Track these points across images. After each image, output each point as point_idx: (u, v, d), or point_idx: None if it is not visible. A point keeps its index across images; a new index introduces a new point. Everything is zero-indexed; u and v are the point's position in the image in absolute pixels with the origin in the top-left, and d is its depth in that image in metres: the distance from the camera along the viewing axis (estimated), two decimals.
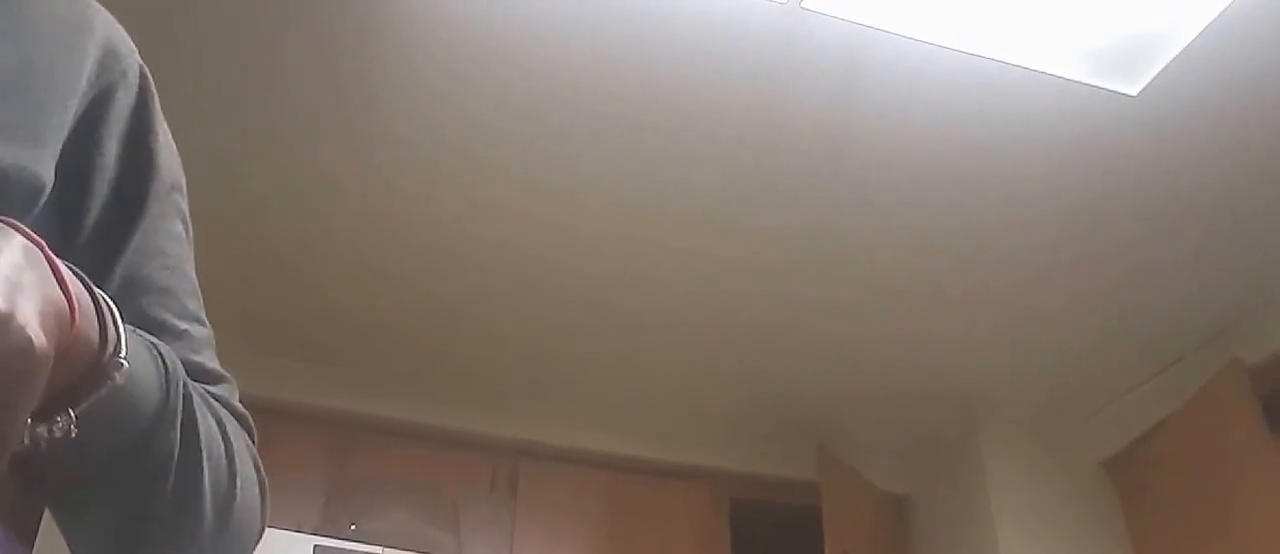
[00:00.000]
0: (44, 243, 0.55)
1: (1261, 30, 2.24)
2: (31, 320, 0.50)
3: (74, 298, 0.55)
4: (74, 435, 0.57)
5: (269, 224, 2.89)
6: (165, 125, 0.81)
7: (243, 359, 3.33)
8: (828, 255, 2.90)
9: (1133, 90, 2.37)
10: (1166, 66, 2.31)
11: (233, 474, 0.72)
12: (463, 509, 3.28)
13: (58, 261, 0.55)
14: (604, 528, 3.42)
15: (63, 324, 0.54)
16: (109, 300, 0.60)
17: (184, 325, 0.77)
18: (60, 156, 0.70)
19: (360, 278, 3.07)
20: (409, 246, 2.94)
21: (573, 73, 2.38)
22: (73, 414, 0.56)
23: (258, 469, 0.77)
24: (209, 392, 0.74)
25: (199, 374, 0.74)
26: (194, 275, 0.82)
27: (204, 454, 0.68)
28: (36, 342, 0.50)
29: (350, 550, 2.98)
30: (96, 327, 0.58)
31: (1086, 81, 2.36)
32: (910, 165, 2.60)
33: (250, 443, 0.78)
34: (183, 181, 0.83)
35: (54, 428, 0.56)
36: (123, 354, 0.59)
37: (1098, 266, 2.90)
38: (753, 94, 2.41)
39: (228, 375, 0.79)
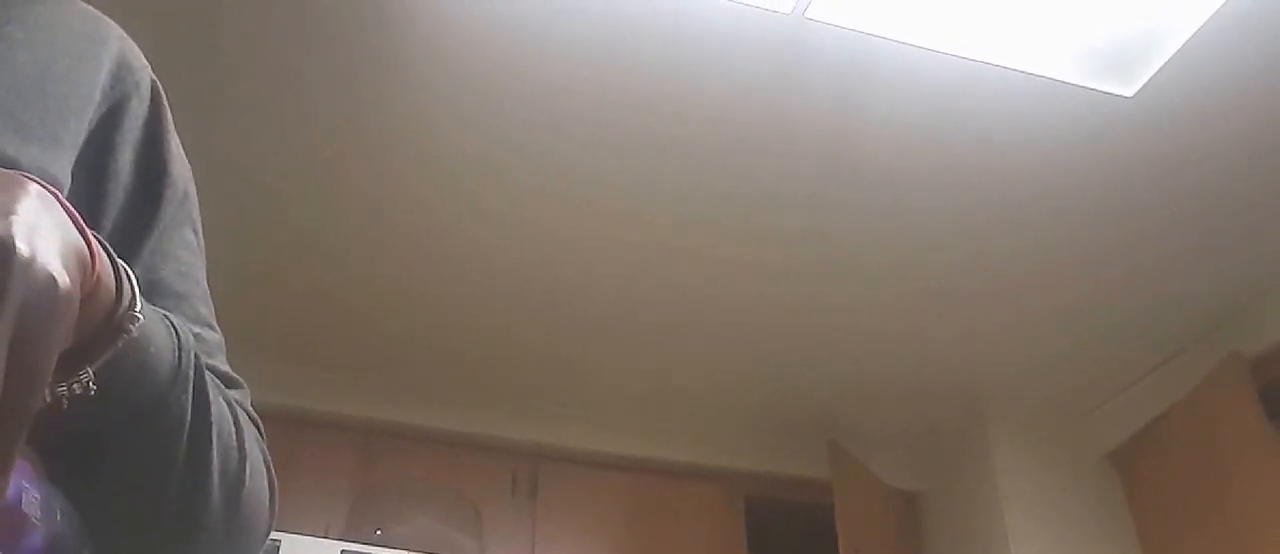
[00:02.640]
0: (58, 191, 0.54)
1: (1255, 31, 2.26)
2: (54, 261, 0.49)
3: (93, 241, 0.54)
4: (93, 393, 0.55)
5: (293, 237, 2.92)
6: (176, 137, 0.82)
7: (268, 369, 3.40)
8: (834, 256, 2.93)
9: (1128, 92, 2.40)
10: (1161, 68, 2.34)
11: (243, 459, 0.71)
12: (485, 512, 3.31)
13: (73, 209, 0.54)
14: (623, 528, 3.44)
15: (84, 266, 0.53)
16: (118, 257, 0.59)
17: (197, 329, 0.76)
18: (75, 164, 0.71)
19: (382, 287, 3.10)
20: (429, 256, 2.97)
21: (586, 83, 2.42)
22: (91, 371, 0.55)
23: (268, 467, 0.76)
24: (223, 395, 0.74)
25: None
26: (205, 283, 0.82)
27: (214, 430, 0.67)
28: (61, 281, 0.49)
29: None
30: (113, 276, 0.57)
31: (1082, 84, 2.38)
32: (913, 167, 2.63)
33: (262, 443, 0.76)
34: (194, 191, 0.83)
35: (74, 385, 0.55)
36: (138, 308, 0.58)
37: (1099, 263, 2.93)
38: (760, 100, 2.45)
39: (241, 380, 0.79)
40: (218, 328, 0.81)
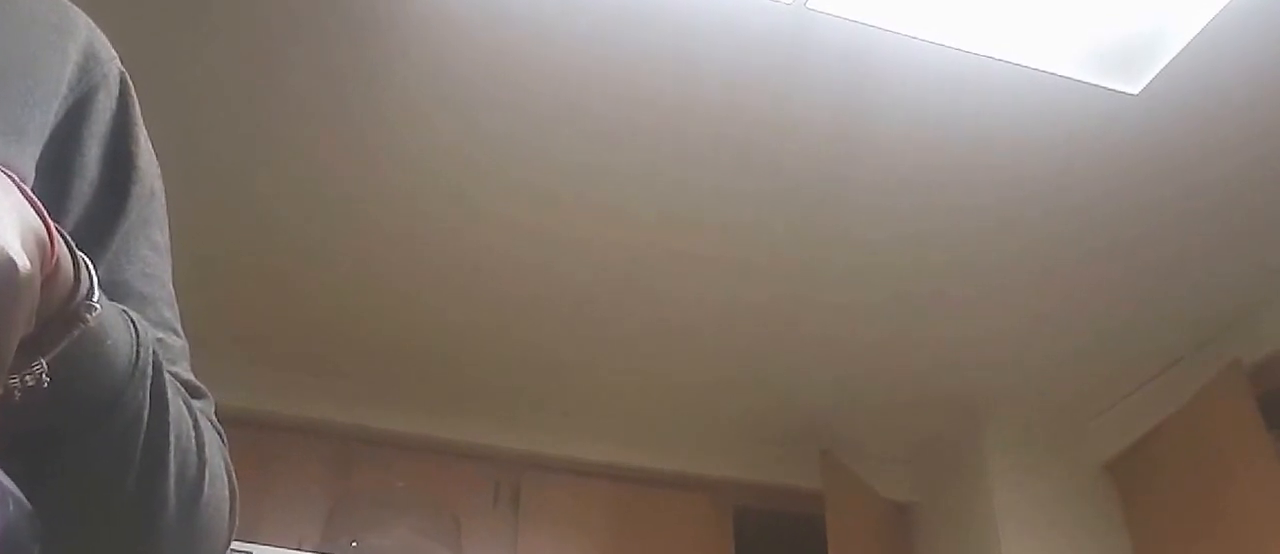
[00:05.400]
0: (15, 175, 0.53)
1: (1262, 28, 2.23)
2: (13, 242, 0.49)
3: (51, 225, 0.54)
4: (47, 385, 0.54)
5: (270, 234, 2.88)
6: (145, 131, 0.80)
7: (243, 372, 3.34)
8: (828, 259, 2.90)
9: (1134, 89, 2.37)
10: (1167, 65, 2.30)
11: (202, 464, 0.69)
12: (466, 522, 3.26)
13: (31, 193, 0.53)
14: (608, 539, 3.40)
15: (44, 249, 0.52)
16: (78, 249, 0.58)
17: (161, 335, 0.74)
18: (40, 158, 0.69)
19: (361, 289, 3.06)
20: (410, 257, 2.93)
21: (575, 78, 2.37)
22: (46, 363, 0.54)
23: (230, 477, 0.74)
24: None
25: None
26: (171, 286, 0.80)
27: (172, 431, 0.65)
28: (20, 263, 0.48)
29: None
30: (71, 263, 0.56)
31: (1088, 81, 2.35)
32: (912, 166, 2.60)
33: (224, 452, 0.75)
34: (161, 190, 0.82)
35: (27, 376, 0.54)
36: (95, 297, 0.57)
37: (1098, 267, 2.90)
38: (756, 95, 2.41)
39: (205, 390, 0.77)
40: (183, 334, 0.79)
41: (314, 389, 3.34)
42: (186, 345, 0.79)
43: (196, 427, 0.69)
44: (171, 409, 0.65)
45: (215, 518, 0.71)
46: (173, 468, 0.65)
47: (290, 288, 3.06)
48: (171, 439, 0.65)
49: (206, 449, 0.70)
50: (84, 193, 0.73)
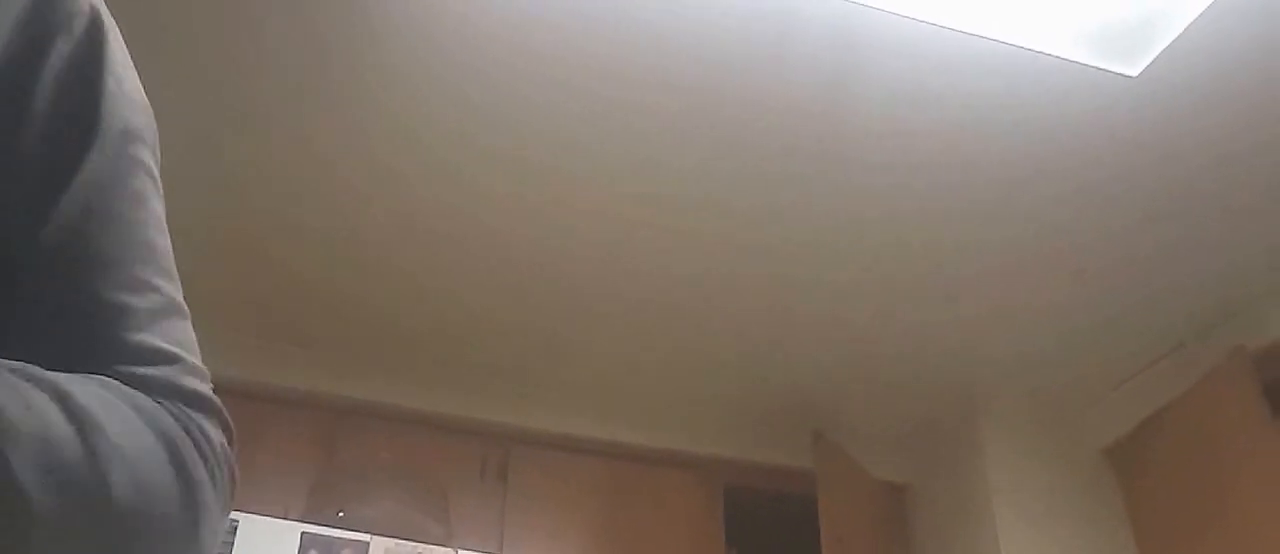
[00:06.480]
0: None
1: (1262, 11, 2.22)
2: None
3: None
4: None
5: (256, 206, 2.89)
6: (124, 74, 0.74)
7: (229, 343, 3.33)
8: (824, 239, 2.90)
9: (1133, 71, 2.36)
10: (1167, 47, 2.30)
11: (90, 452, 0.59)
12: (453, 496, 3.27)
13: None
14: (596, 515, 3.41)
15: None
16: None
17: (122, 298, 0.68)
18: None
19: (349, 261, 3.07)
20: (399, 230, 2.94)
21: (566, 56, 2.38)
22: None
23: (176, 447, 0.65)
24: (139, 373, 0.66)
25: (130, 355, 0.67)
26: (157, 235, 0.73)
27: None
28: None
29: (338, 537, 2.93)
30: None
31: (1086, 62, 2.34)
32: (906, 147, 2.59)
33: (192, 428, 0.67)
34: (145, 131, 0.75)
35: None
36: None
37: (1098, 251, 2.90)
38: (747, 74, 2.40)
39: (176, 354, 0.69)
40: (164, 288, 0.71)
41: (301, 361, 3.36)
42: (169, 300, 0.71)
43: (74, 413, 0.59)
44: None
45: (139, 500, 0.61)
46: (17, 471, 0.56)
47: (278, 262, 3.08)
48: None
49: (98, 431, 0.60)
50: (31, 141, 0.68)
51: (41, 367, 0.59)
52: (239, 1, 2.29)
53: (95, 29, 0.73)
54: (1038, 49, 2.31)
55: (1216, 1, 2.19)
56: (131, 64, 0.76)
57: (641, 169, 2.69)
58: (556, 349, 3.41)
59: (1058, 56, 2.32)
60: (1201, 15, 2.21)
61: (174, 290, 0.73)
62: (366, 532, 2.94)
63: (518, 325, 3.30)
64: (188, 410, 0.68)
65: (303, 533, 2.91)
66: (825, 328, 3.26)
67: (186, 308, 0.74)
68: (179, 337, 0.71)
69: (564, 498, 3.40)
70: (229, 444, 0.70)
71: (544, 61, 2.40)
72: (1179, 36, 2.26)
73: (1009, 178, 2.67)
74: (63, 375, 0.62)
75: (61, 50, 0.70)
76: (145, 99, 0.77)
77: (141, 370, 0.67)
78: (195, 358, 0.71)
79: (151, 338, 0.69)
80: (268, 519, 2.87)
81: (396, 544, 2.99)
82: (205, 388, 0.70)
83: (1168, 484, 3.21)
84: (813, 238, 2.90)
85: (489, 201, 2.82)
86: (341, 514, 3.10)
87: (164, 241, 0.74)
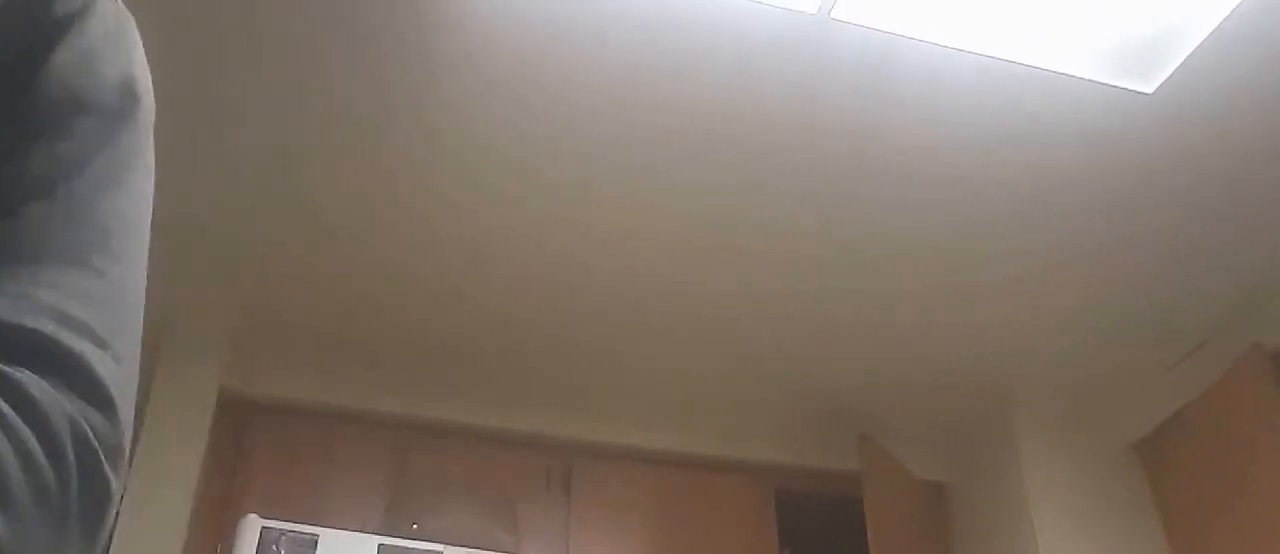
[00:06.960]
0: None
1: (1274, 27, 2.27)
2: None
3: None
4: None
5: (327, 236, 2.96)
6: (96, 47, 0.66)
7: (307, 368, 3.43)
8: (862, 251, 2.97)
9: (1148, 89, 2.42)
10: (1181, 65, 2.35)
11: None
12: (520, 506, 3.35)
13: None
14: (655, 522, 3.48)
15: None
16: None
17: (18, 287, 0.56)
18: None
19: (416, 286, 3.15)
20: (462, 253, 3.01)
21: (612, 82, 2.45)
22: None
23: (51, 438, 0.51)
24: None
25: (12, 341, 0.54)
26: (104, 212, 0.62)
27: None
28: None
29: (413, 549, 3.00)
30: None
31: (1103, 81, 2.40)
32: (939, 163, 2.66)
33: (76, 419, 0.53)
34: (146, 108, 0.68)
35: None
36: None
37: (1121, 258, 2.96)
38: (787, 97, 2.47)
39: (73, 350, 0.55)
40: (102, 268, 0.60)
41: (374, 383, 3.45)
42: (99, 284, 0.59)
43: None
44: None
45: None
46: None
47: (349, 290, 3.16)
48: None
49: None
50: None
51: None
52: (303, 40, 2.36)
53: (72, 11, 0.65)
54: (1058, 70, 2.37)
55: (1229, 19, 2.24)
56: (124, 47, 0.69)
57: (693, 193, 2.77)
58: (615, 365, 3.48)
59: (1076, 76, 2.38)
60: (1213, 33, 2.27)
61: None
62: (440, 542, 3.01)
63: (577, 344, 3.37)
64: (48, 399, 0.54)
65: (379, 545, 2.98)
66: (867, 336, 3.31)
67: None
68: None
69: (624, 505, 3.47)
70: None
71: (598, 94, 2.48)
72: (1192, 54, 2.32)
73: (1035, 190, 2.73)
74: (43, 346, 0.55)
75: (17, 28, 0.63)
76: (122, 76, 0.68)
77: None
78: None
79: (35, 322, 0.55)
80: (348, 533, 2.96)
81: (468, 553, 3.12)
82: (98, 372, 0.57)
83: (1194, 476, 3.27)
84: (853, 250, 2.96)
85: (549, 228, 2.90)
86: (416, 526, 3.17)
87: (115, 221, 0.64)
